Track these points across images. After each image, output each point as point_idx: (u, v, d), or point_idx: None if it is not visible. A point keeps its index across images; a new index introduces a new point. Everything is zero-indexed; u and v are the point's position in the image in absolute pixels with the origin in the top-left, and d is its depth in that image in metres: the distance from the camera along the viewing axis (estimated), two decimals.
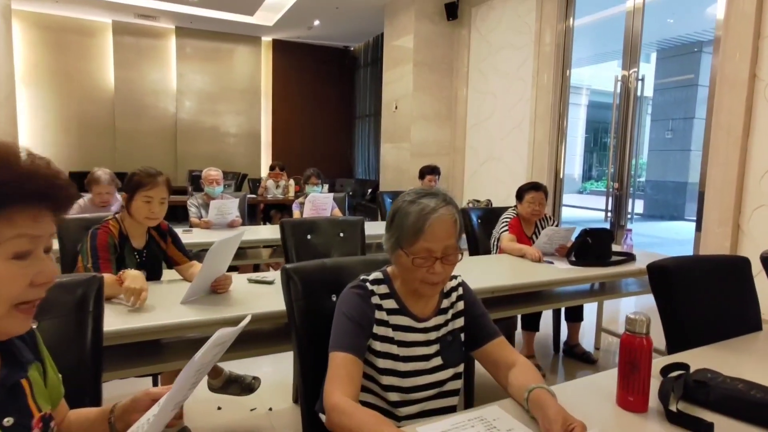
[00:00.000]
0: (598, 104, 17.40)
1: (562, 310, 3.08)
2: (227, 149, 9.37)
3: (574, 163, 18.13)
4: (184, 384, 0.69)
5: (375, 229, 2.77)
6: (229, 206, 3.43)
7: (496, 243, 2.94)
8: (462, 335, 1.22)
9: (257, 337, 1.79)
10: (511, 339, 2.51)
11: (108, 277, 1.67)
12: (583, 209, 12.67)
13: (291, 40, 9.62)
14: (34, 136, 8.04)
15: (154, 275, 1.98)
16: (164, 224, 2.01)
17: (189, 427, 2.03)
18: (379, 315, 1.14)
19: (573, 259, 2.56)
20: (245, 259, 3.37)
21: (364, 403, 1.15)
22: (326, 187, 5.29)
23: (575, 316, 2.99)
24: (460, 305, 1.23)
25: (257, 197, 5.94)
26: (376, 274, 1.19)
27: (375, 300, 1.14)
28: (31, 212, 0.65)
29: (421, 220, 1.07)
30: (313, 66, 9.89)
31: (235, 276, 1.94)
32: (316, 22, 8.42)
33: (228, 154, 9.34)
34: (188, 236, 3.09)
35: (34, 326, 1.08)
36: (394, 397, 1.12)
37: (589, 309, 3.14)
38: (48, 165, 0.69)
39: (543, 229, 2.78)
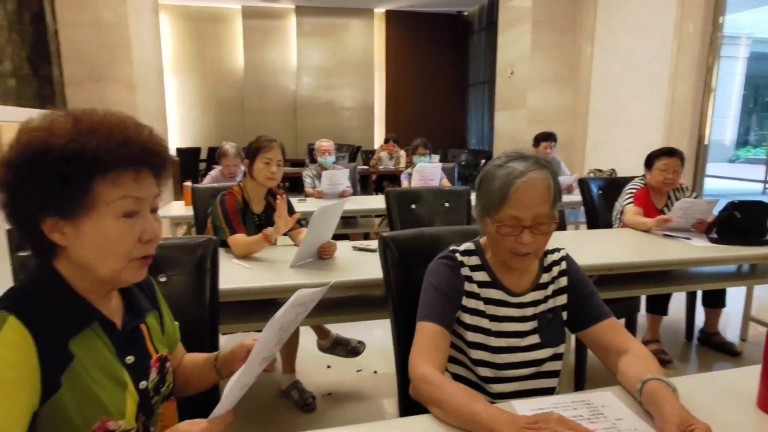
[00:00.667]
0: (762, 56, 14.71)
1: (699, 293, 2.71)
2: (342, 122, 9.71)
3: (724, 127, 15.64)
4: (269, 341, 0.72)
5: None
6: (339, 177, 3.55)
7: (618, 216, 2.67)
8: (564, 314, 1.12)
9: (366, 303, 1.85)
10: (632, 322, 2.27)
11: (252, 238, 1.86)
12: (734, 180, 10.98)
13: (403, 9, 9.53)
14: (181, 117, 9.10)
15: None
16: (280, 192, 2.14)
17: (300, 381, 2.19)
18: (469, 287, 1.08)
19: (714, 235, 2.22)
20: (356, 227, 3.49)
21: (455, 375, 1.13)
22: (436, 157, 5.24)
23: (715, 301, 2.62)
24: (563, 281, 1.12)
25: (369, 168, 6.10)
26: (467, 245, 1.14)
27: (465, 271, 1.09)
28: (132, 175, 0.72)
29: (508, 184, 0.99)
30: (425, 34, 9.73)
31: (342, 244, 2.01)
32: None
33: (343, 127, 9.68)
34: (303, 205, 3.27)
35: (163, 280, 1.24)
36: (485, 372, 1.07)
37: (735, 294, 2.72)
38: (150, 133, 0.76)
39: (677, 201, 2.45)
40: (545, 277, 1.13)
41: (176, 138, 9.07)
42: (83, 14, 3.97)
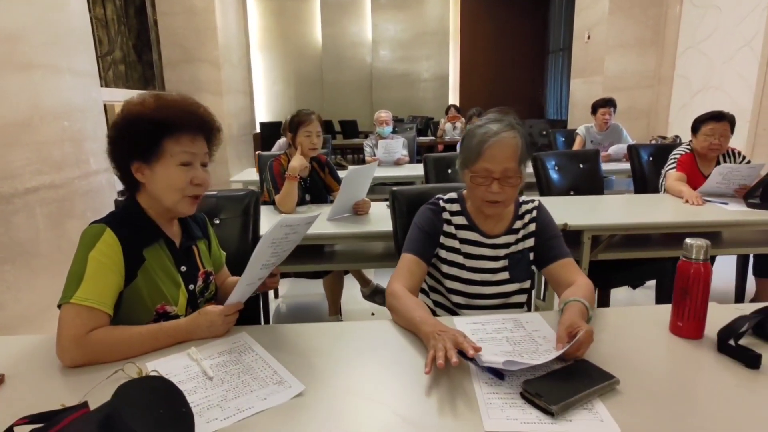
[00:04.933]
0: None
1: (750, 260, 2.64)
2: (417, 94, 9.84)
3: None
4: (263, 252, 1.00)
5: None
6: (394, 145, 3.80)
7: (663, 182, 2.65)
8: (531, 255, 1.30)
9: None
10: (662, 285, 2.31)
11: (284, 187, 2.20)
12: None
13: None
14: (266, 91, 9.77)
15: (320, 199, 2.46)
16: (323, 157, 2.45)
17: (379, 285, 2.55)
18: (447, 228, 1.31)
19: (755, 200, 2.19)
20: None
21: (435, 302, 1.37)
22: None
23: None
24: (532, 227, 1.31)
25: (436, 139, 6.25)
26: (451, 194, 1.35)
27: (445, 215, 1.31)
28: (190, 137, 1.05)
29: (482, 141, 1.19)
30: (502, 1, 9.45)
31: (380, 204, 2.27)
32: None
33: (418, 99, 9.81)
34: None
35: (217, 222, 1.59)
36: (457, 299, 1.30)
37: None
38: (205, 109, 1.10)
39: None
40: (518, 224, 1.32)
41: (262, 112, 9.78)
42: (177, 4, 4.52)
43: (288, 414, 0.79)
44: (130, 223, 1.06)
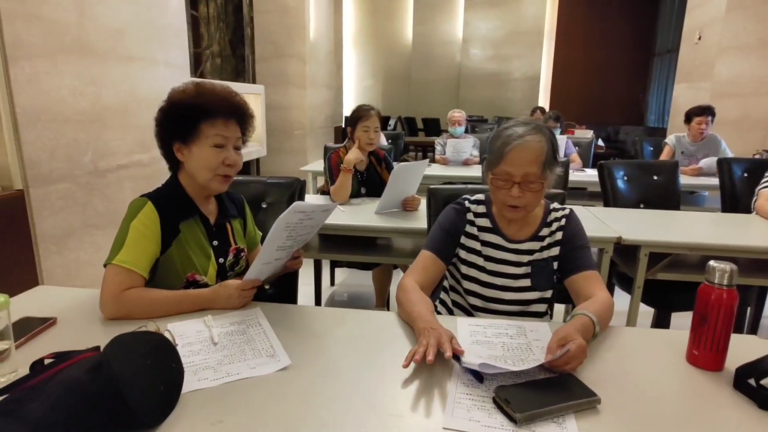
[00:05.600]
0: None
1: None
2: (505, 94, 9.59)
3: None
4: (278, 235, 1.08)
5: None
6: (463, 145, 3.76)
7: (754, 201, 2.38)
8: (555, 264, 1.26)
9: None
10: (740, 314, 2.08)
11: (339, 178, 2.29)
12: None
13: None
14: (356, 85, 10.07)
15: (375, 192, 2.52)
16: (381, 152, 2.50)
17: None
18: (470, 229, 1.30)
19: None
20: None
21: (453, 302, 1.37)
22: (589, 132, 4.96)
23: None
24: (559, 235, 1.26)
25: None
26: (479, 195, 1.34)
27: (469, 216, 1.31)
28: (223, 121, 1.16)
29: (505, 144, 1.17)
30: None
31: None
32: None
33: (506, 99, 9.56)
34: (428, 170, 3.57)
35: (264, 206, 1.72)
36: (474, 301, 1.29)
37: None
38: (239, 96, 1.21)
39: None
40: (545, 231, 1.28)
41: (350, 106, 10.10)
42: (272, 2, 4.82)
43: (269, 384, 0.86)
44: (169, 198, 1.19)
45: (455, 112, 4.02)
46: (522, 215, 1.23)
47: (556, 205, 1.32)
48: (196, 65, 3.89)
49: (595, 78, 9.22)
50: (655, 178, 2.48)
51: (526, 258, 1.27)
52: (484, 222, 1.31)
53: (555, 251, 1.26)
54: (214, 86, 1.19)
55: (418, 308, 1.06)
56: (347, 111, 9.79)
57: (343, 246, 2.22)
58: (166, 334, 0.89)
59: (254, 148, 4.29)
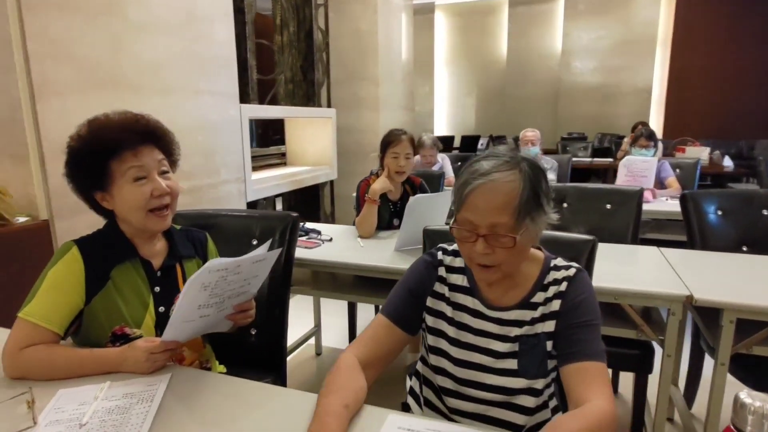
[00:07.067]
0: None
1: None
2: (610, 109, 8.68)
3: None
4: (193, 296, 0.91)
5: None
6: None
7: None
8: (549, 343, 0.93)
9: None
10: None
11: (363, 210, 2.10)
12: None
13: None
14: (449, 104, 9.88)
15: None
16: (417, 180, 2.26)
17: None
18: (438, 287, 1.02)
19: None
20: None
21: (424, 379, 1.09)
22: (706, 150, 4.17)
23: None
24: (555, 305, 0.93)
25: (614, 161, 5.38)
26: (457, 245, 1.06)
27: (441, 271, 1.03)
28: (132, 151, 1.03)
29: (466, 184, 0.89)
30: None
31: None
32: None
33: (611, 114, 8.65)
34: None
35: (254, 243, 1.58)
36: (444, 382, 1.00)
37: None
38: (145, 118, 1.07)
39: None
40: (539, 296, 0.96)
41: (442, 126, 9.89)
42: (346, 26, 4.84)
43: None
44: (102, 242, 1.09)
45: (528, 131, 3.62)
46: (497, 277, 0.93)
47: (559, 261, 0.99)
48: (268, 91, 4.00)
49: (721, 86, 7.97)
50: (766, 213, 1.91)
51: (514, 331, 0.96)
52: (459, 280, 1.02)
53: (550, 326, 0.93)
54: (108, 118, 1.06)
55: (325, 399, 0.82)
56: (440, 131, 9.60)
57: (361, 286, 2.01)
58: (30, 411, 0.76)
59: (323, 171, 4.27)
